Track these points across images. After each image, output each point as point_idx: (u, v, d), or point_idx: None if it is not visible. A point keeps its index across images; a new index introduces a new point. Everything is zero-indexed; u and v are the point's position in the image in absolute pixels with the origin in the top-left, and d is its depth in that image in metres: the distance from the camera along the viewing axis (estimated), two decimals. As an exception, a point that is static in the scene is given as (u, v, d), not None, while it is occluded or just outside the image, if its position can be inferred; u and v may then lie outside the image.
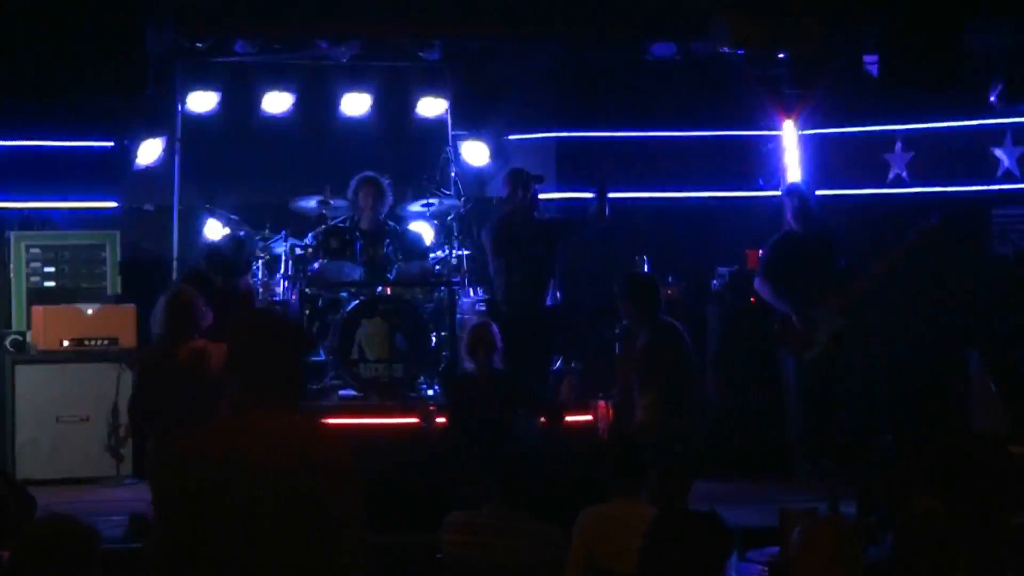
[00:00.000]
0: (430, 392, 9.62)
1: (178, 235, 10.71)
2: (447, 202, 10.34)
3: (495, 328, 8.45)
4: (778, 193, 10.73)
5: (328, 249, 9.89)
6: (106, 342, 9.41)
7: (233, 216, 10.24)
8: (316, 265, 9.86)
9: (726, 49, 9.53)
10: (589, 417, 8.93)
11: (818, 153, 10.67)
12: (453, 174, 10.61)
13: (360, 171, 10.18)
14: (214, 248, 9.32)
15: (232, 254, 9.07)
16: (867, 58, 9.08)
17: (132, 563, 6.85)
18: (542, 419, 8.42)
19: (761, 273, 9.51)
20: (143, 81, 8.35)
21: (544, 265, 9.45)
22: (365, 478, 3.66)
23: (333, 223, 10.11)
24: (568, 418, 8.79)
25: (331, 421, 9.09)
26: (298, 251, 9.98)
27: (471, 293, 10.10)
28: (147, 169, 10.54)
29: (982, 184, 10.29)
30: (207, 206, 10.39)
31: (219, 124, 10.95)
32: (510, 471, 5.93)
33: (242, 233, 9.80)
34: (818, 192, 10.06)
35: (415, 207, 10.45)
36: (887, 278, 9.08)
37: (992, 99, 9.84)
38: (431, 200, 10.36)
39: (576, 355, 10.06)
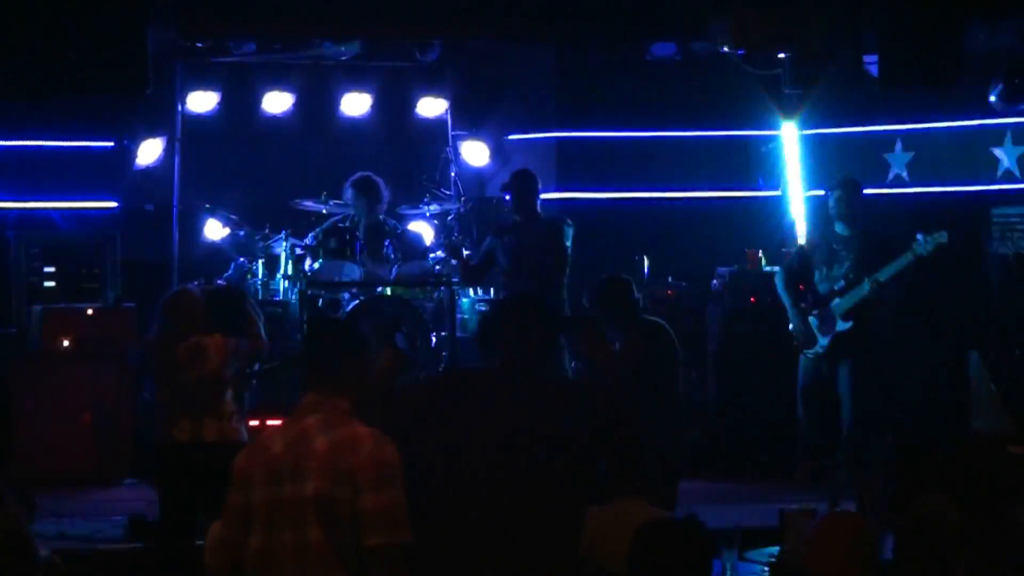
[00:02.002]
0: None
1: (178, 235, 10.72)
2: (447, 202, 10.34)
3: None
4: (778, 193, 10.74)
5: (328, 249, 9.89)
6: (106, 342, 9.39)
7: (233, 216, 10.25)
8: (316, 265, 9.86)
9: (726, 49, 9.53)
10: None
11: (818, 153, 10.66)
12: (453, 174, 10.62)
13: (357, 172, 10.19)
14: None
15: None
16: (867, 58, 9.06)
17: (132, 563, 6.92)
18: None
19: (783, 265, 9.46)
20: (143, 81, 8.34)
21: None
22: None
23: (333, 223, 10.11)
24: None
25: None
26: (298, 251, 9.98)
27: (471, 293, 10.10)
28: (147, 169, 10.55)
29: (982, 184, 10.28)
30: (207, 206, 10.39)
31: (219, 124, 10.97)
32: None
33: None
34: (818, 192, 10.05)
35: (415, 207, 10.44)
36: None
37: (992, 99, 9.82)
38: (431, 200, 10.36)
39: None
